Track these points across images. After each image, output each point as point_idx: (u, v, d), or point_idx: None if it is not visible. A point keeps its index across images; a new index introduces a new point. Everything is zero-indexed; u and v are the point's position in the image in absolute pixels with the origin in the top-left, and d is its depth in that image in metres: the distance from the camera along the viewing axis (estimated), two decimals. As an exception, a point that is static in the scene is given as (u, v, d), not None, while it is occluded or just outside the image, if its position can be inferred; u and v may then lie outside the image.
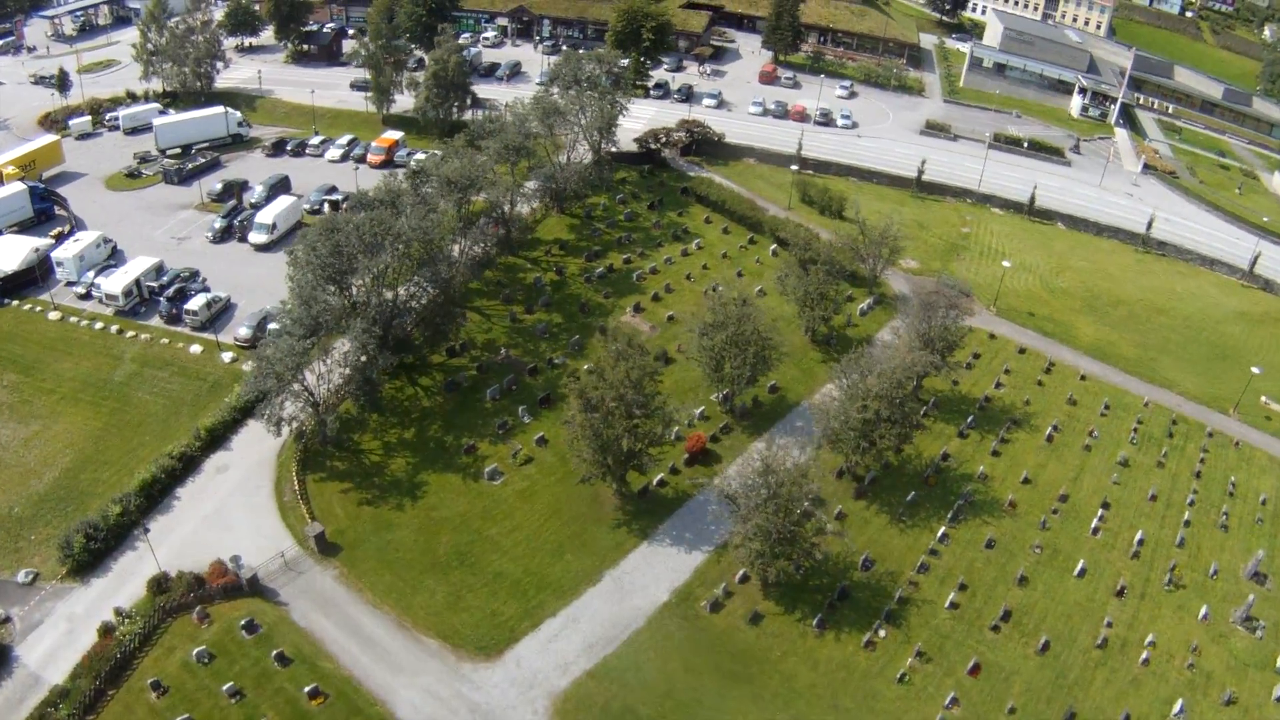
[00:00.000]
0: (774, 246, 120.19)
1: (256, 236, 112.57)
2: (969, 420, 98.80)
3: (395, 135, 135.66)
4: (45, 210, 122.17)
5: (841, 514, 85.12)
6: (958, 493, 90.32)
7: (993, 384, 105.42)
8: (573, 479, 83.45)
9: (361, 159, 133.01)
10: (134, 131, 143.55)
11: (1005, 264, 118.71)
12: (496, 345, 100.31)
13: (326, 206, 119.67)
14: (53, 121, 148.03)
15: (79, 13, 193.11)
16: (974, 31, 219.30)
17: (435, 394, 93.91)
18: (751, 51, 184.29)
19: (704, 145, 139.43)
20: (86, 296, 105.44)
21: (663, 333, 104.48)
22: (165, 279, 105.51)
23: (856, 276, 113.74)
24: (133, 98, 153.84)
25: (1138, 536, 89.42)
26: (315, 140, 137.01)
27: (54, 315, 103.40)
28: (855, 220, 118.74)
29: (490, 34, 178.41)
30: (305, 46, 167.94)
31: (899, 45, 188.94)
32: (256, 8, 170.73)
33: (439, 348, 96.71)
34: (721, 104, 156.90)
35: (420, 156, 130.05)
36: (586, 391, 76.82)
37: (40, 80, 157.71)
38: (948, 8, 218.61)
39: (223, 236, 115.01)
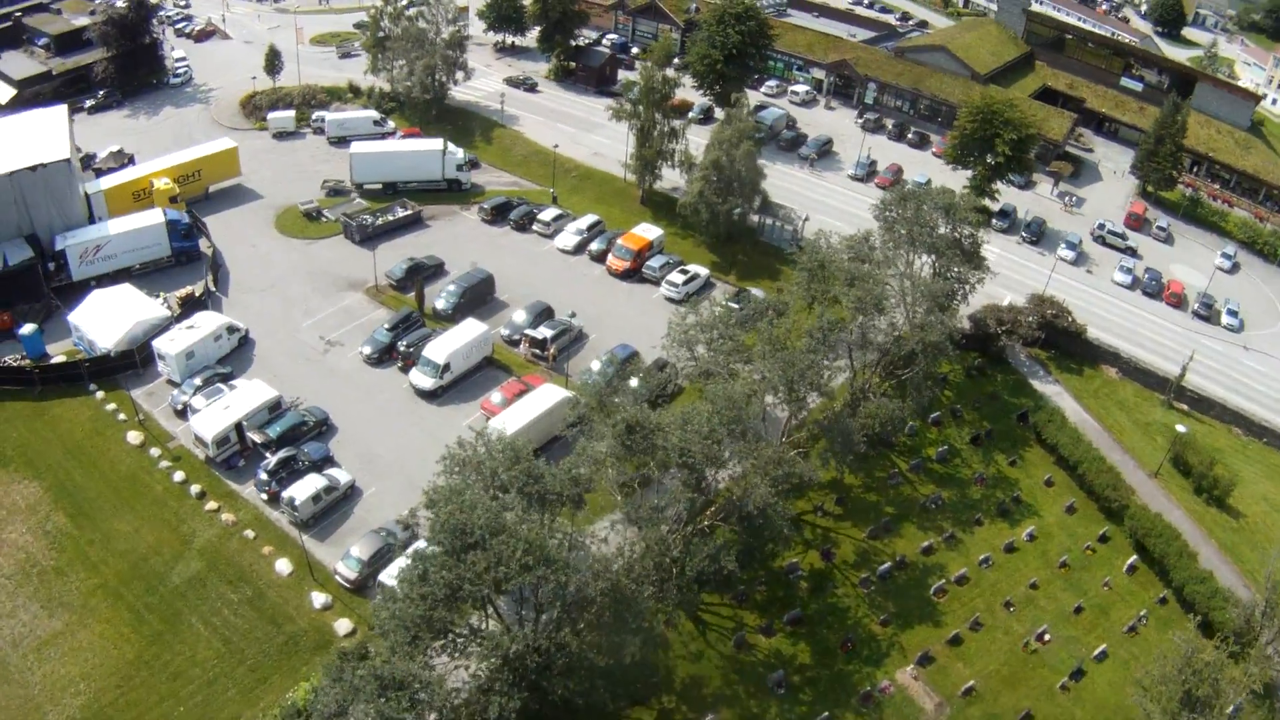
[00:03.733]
0: (1133, 559, 74.01)
1: (421, 378, 75.21)
2: None
3: (652, 233, 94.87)
4: (187, 251, 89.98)
5: None
6: None
7: None
8: None
9: (601, 257, 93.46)
10: (340, 141, 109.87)
11: None
12: (703, 696, 59.52)
13: (524, 345, 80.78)
14: (255, 107, 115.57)
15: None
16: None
17: (602, 800, 54.33)
18: (1114, 171, 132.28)
19: (1053, 332, 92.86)
20: (183, 414, 72.54)
21: (953, 717, 61.32)
22: (278, 429, 69.96)
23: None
24: (355, 93, 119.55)
25: None
26: (548, 215, 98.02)
27: (134, 438, 71.53)
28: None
29: (801, 87, 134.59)
30: (572, 64, 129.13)
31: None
32: (525, 2, 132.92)
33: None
34: (1080, 258, 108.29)
35: (677, 279, 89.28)
36: None
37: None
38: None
39: (381, 358, 78.37)
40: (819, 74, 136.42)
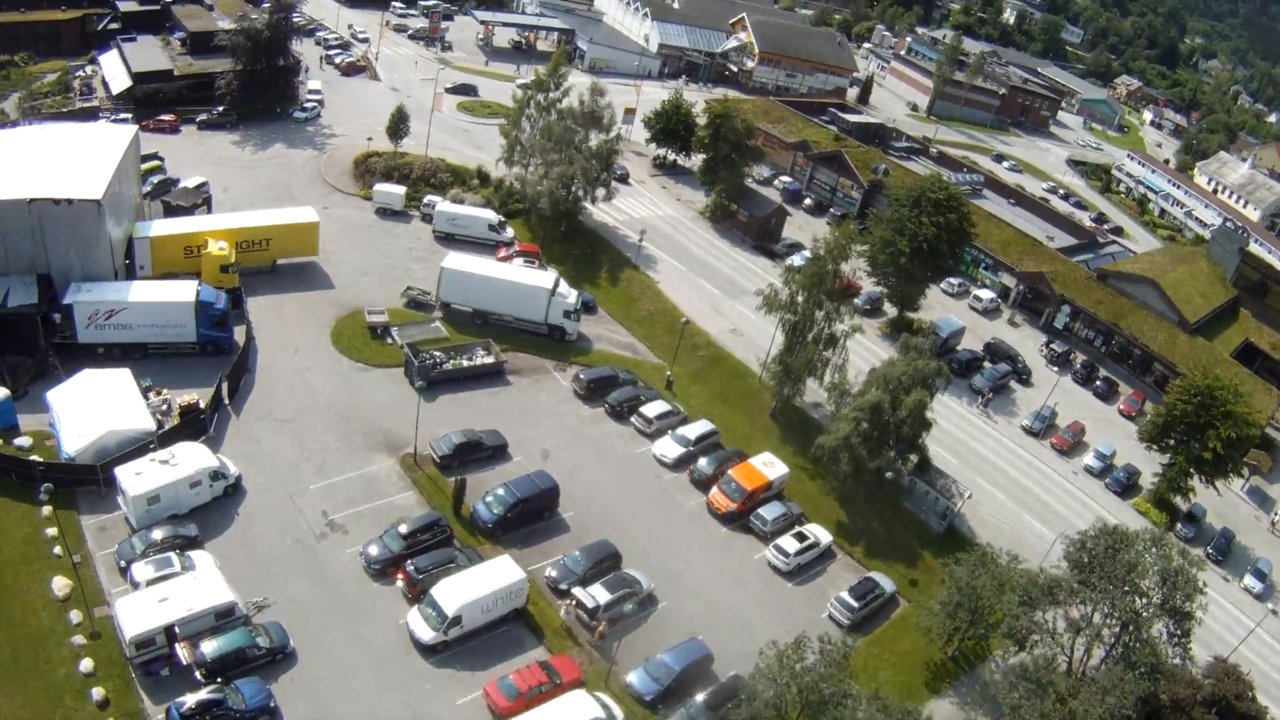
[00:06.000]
0: None
1: (421, 625, 53.86)
2: None
3: (774, 471, 71.13)
4: (215, 342, 70.72)
5: None
6: None
7: None
8: None
9: (705, 484, 70.74)
10: (447, 238, 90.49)
11: None
12: None
13: (569, 605, 58.37)
14: (367, 171, 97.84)
15: (524, 30, 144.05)
16: None
17: None
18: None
19: (1228, 711, 66.27)
20: (125, 572, 53.24)
21: None
22: (216, 649, 49.59)
23: None
24: (483, 181, 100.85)
25: None
26: (654, 409, 75.61)
27: (60, 586, 53.01)
28: None
29: (986, 293, 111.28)
30: (733, 206, 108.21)
31: None
32: (698, 120, 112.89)
33: None
34: (1267, 591, 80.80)
35: (789, 546, 66.04)
36: None
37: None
38: None
39: (383, 571, 57.25)
40: (1010, 281, 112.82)
